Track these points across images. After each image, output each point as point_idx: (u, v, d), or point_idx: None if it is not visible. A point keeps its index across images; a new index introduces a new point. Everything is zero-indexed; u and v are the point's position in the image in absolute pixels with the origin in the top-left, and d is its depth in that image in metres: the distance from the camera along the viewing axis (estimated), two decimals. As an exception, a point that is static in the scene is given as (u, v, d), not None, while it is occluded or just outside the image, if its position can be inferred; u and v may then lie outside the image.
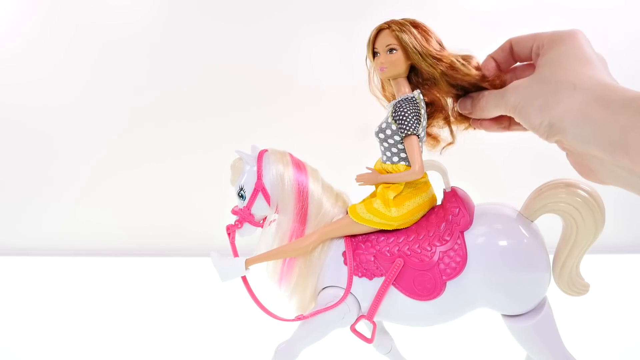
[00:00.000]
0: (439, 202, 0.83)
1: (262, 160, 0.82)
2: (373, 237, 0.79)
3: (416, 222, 0.80)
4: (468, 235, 0.75)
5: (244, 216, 0.82)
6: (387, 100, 0.85)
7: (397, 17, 0.78)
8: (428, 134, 0.82)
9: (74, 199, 2.19)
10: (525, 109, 0.59)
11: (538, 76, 0.58)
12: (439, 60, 0.73)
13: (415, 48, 0.73)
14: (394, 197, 0.77)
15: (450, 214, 0.77)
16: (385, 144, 0.79)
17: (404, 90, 0.79)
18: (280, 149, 0.86)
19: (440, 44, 0.75)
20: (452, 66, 0.72)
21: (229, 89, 2.03)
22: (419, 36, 0.74)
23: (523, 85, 0.60)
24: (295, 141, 1.28)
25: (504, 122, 0.72)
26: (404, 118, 0.75)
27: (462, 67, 0.72)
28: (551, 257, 0.77)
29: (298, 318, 0.81)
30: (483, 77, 0.73)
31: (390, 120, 0.77)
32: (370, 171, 0.83)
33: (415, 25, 0.76)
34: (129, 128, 2.10)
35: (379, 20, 0.79)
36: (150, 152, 2.11)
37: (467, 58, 0.75)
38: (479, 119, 0.75)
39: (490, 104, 0.68)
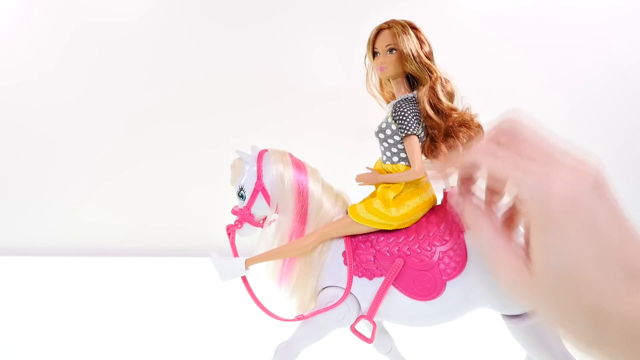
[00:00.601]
0: (439, 202, 0.83)
1: (262, 160, 0.82)
2: (373, 237, 0.79)
3: (416, 222, 0.80)
4: (468, 235, 0.75)
5: (244, 216, 0.82)
6: (385, 99, 0.85)
7: (397, 17, 0.78)
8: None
9: (74, 199, 2.19)
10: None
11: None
12: (429, 71, 0.75)
13: (410, 50, 0.73)
14: (394, 197, 0.77)
15: (450, 213, 0.77)
16: (385, 144, 0.79)
17: (404, 90, 0.79)
18: (281, 149, 0.86)
19: (429, 56, 0.76)
20: (433, 87, 0.75)
21: (230, 89, 2.03)
22: (416, 40, 0.75)
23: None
24: (295, 141, 1.28)
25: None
26: (404, 118, 0.75)
27: (440, 92, 0.75)
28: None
29: (298, 318, 0.81)
30: (450, 109, 0.75)
31: (390, 120, 0.77)
32: (370, 171, 0.83)
33: (414, 28, 0.76)
34: (129, 128, 2.10)
35: (378, 21, 0.79)
36: (150, 152, 2.11)
37: (446, 80, 0.77)
38: None
39: None
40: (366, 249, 0.78)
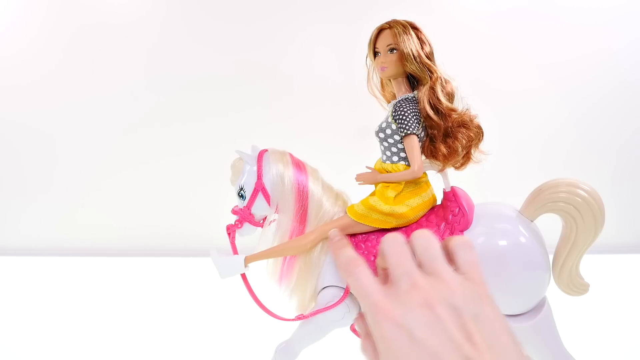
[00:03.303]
0: (439, 202, 0.83)
1: (262, 160, 0.82)
2: (373, 237, 0.79)
3: (416, 222, 0.80)
4: (468, 235, 0.75)
5: (244, 216, 0.82)
6: (386, 99, 0.86)
7: (398, 17, 0.79)
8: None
9: (74, 200, 2.18)
10: None
11: None
12: (430, 71, 0.75)
13: (410, 50, 0.74)
14: (395, 196, 0.78)
15: (450, 213, 0.77)
16: (385, 144, 0.79)
17: (404, 90, 0.79)
18: (281, 149, 0.86)
19: (429, 56, 0.76)
20: (433, 87, 0.75)
21: (230, 89, 2.03)
22: (417, 40, 0.75)
23: None
24: (295, 141, 1.28)
25: None
26: (404, 118, 0.75)
27: (440, 93, 0.75)
28: (551, 257, 0.77)
29: (298, 318, 0.81)
30: (450, 109, 0.75)
31: (390, 119, 0.77)
32: (370, 170, 0.83)
33: (415, 28, 0.76)
34: (129, 128, 2.10)
35: (379, 21, 0.79)
36: (150, 152, 2.11)
37: (447, 81, 0.77)
38: None
39: None
40: (367, 248, 0.78)
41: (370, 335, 0.37)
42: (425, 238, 0.38)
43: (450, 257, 0.37)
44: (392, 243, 0.37)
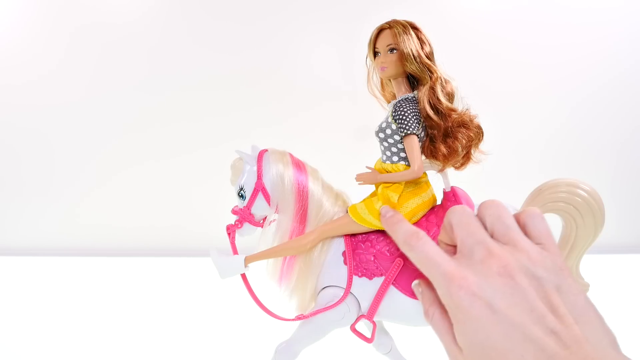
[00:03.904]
0: (439, 202, 0.83)
1: (262, 160, 0.82)
2: (373, 237, 0.79)
3: (416, 222, 0.80)
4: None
5: (244, 216, 0.82)
6: (386, 99, 0.86)
7: (398, 17, 0.79)
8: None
9: (74, 199, 2.19)
10: None
11: None
12: (430, 71, 0.75)
13: (410, 50, 0.74)
14: (397, 198, 0.77)
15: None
16: (385, 144, 0.79)
17: (404, 90, 0.79)
18: (280, 149, 0.86)
19: (429, 57, 0.76)
20: (433, 87, 0.75)
21: (230, 89, 2.03)
22: (417, 40, 0.75)
23: None
24: (295, 141, 1.28)
25: None
26: (404, 118, 0.75)
27: (440, 93, 0.75)
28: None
29: (298, 318, 0.81)
30: (450, 109, 0.75)
31: (390, 119, 0.77)
32: (370, 170, 0.83)
33: (415, 28, 0.76)
34: (129, 128, 2.10)
35: (379, 21, 0.79)
36: (150, 152, 2.11)
37: (447, 81, 0.77)
38: None
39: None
40: (366, 248, 0.78)
41: (436, 303, 0.34)
42: (497, 207, 0.35)
43: (522, 228, 0.35)
44: (461, 214, 0.35)
